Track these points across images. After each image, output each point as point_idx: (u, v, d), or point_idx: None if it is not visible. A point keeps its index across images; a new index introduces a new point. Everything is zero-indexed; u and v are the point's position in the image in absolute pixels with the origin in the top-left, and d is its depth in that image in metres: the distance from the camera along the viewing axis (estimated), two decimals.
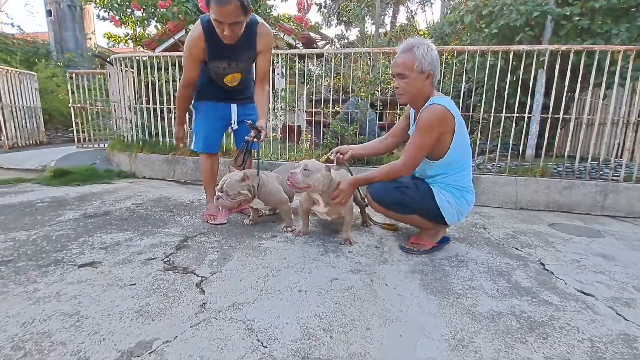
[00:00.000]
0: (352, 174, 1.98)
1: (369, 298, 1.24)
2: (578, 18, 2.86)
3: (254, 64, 2.04)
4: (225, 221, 2.09)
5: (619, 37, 2.79)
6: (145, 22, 3.97)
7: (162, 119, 3.67)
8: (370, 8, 9.80)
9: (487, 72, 2.91)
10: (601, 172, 2.77)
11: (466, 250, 1.79)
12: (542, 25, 3.29)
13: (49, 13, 10.67)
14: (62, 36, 11.11)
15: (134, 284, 1.28)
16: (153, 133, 3.77)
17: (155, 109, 3.67)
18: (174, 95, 3.57)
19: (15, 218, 2.06)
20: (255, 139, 1.87)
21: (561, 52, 2.66)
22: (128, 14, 4.16)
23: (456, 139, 1.59)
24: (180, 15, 3.18)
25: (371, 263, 1.57)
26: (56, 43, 10.68)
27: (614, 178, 2.72)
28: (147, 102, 3.70)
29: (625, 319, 1.16)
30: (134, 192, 2.88)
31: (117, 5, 4.29)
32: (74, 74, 4.77)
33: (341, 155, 1.89)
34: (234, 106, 2.15)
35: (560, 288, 1.39)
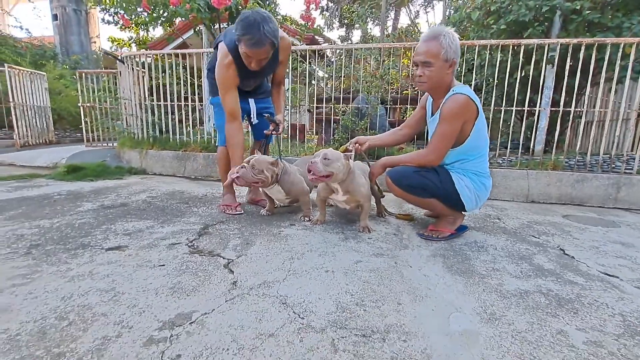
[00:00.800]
0: (369, 165, 2.00)
1: (396, 278, 1.26)
2: (588, 12, 2.88)
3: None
4: (242, 211, 2.12)
5: (630, 30, 2.81)
6: (154, 22, 4.01)
7: (173, 114, 3.70)
8: (374, 9, 9.89)
9: (497, 67, 2.93)
10: (613, 166, 2.78)
11: (484, 237, 1.80)
12: (550, 21, 3.32)
13: (54, 17, 10.81)
14: (68, 39, 11.23)
15: (163, 265, 1.30)
16: (164, 130, 3.80)
17: (166, 106, 3.71)
18: (184, 93, 3.61)
19: (36, 209, 2.08)
20: (274, 132, 1.90)
21: (572, 47, 2.68)
22: (138, 13, 4.21)
23: (476, 126, 1.62)
24: (192, 13, 3.21)
25: (392, 248, 1.58)
26: (62, 46, 10.81)
27: (627, 171, 2.72)
28: (158, 100, 3.74)
29: None
30: (147, 187, 2.90)
31: (126, 5, 4.34)
32: (83, 74, 4.82)
33: (359, 146, 1.91)
34: (251, 100, 2.18)
35: (584, 270, 1.40)
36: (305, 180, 1.99)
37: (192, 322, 0.92)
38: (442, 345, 0.87)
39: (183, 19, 3.38)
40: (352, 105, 3.18)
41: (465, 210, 1.74)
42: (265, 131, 2.08)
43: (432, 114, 1.77)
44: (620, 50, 2.58)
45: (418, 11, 16.05)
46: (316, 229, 1.84)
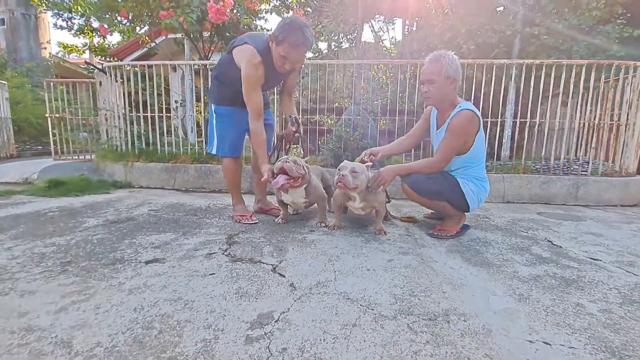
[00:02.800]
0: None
1: (429, 271, 1.42)
2: (545, 37, 3.34)
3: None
4: (257, 221, 2.18)
5: (578, 52, 3.31)
6: (135, 32, 3.92)
7: (160, 125, 3.63)
8: (342, 24, 10.38)
9: (473, 82, 3.28)
10: (572, 169, 3.22)
11: (484, 234, 2.04)
12: (511, 44, 3.79)
13: (1, 22, 9.96)
14: (16, 45, 10.38)
15: (214, 274, 1.34)
16: (150, 142, 3.71)
17: (152, 118, 3.63)
18: (169, 105, 3.57)
19: (37, 226, 1.97)
20: (297, 133, 2.01)
21: (534, 66, 3.09)
22: (116, 23, 4.08)
23: (478, 137, 1.86)
24: (185, 25, 3.22)
25: (412, 247, 1.75)
26: (9, 52, 9.95)
27: (583, 173, 3.17)
28: (145, 111, 3.65)
29: (635, 274, 1.44)
30: (142, 200, 2.83)
31: (101, 15, 4.19)
32: (51, 83, 4.53)
33: (373, 157, 2.07)
34: None
35: (573, 256, 1.66)
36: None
37: (277, 321, 1.00)
38: (495, 321, 1.03)
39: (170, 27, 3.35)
40: (344, 116, 3.36)
41: (468, 211, 1.96)
42: (284, 132, 2.15)
43: (438, 127, 1.99)
44: (574, 70, 3.04)
45: (380, 28, 16.88)
46: (336, 234, 1.96)
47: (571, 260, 1.60)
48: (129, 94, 3.66)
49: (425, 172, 1.92)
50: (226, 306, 1.08)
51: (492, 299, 1.19)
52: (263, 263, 1.47)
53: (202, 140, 3.74)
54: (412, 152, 3.43)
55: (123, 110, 3.70)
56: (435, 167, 1.89)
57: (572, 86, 3.07)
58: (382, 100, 3.56)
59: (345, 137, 3.24)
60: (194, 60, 4.26)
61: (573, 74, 3.03)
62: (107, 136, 3.89)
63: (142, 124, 3.67)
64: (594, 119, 3.18)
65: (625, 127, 3.13)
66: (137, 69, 3.62)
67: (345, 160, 1.92)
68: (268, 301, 1.12)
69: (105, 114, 3.89)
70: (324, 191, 2.13)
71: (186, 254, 1.57)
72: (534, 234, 2.08)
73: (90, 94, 4.78)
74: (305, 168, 1.94)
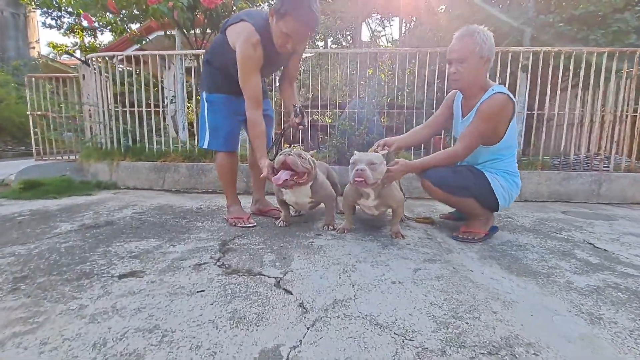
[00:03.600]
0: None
1: (468, 284, 1.17)
2: (560, 24, 3.13)
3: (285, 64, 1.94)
4: (255, 223, 1.91)
5: (595, 41, 3.09)
6: (124, 23, 3.65)
7: (149, 121, 3.35)
8: (339, 21, 10.14)
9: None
10: (593, 164, 2.99)
11: (514, 236, 1.79)
12: (522, 32, 3.57)
13: None
14: (4, 45, 10.05)
15: (203, 291, 1.08)
16: (138, 138, 3.42)
17: (140, 113, 3.35)
18: (161, 97, 3.30)
19: (0, 232, 1.69)
20: (301, 126, 1.75)
21: (552, 54, 2.87)
22: (102, 14, 3.81)
23: (511, 126, 1.62)
24: (175, 12, 2.95)
25: (438, 253, 1.49)
26: None
27: (604, 169, 2.95)
28: (131, 106, 3.37)
29: None
30: (127, 202, 2.55)
31: (87, 6, 3.90)
32: (32, 79, 4.23)
33: (387, 148, 1.82)
34: None
35: (627, 262, 1.42)
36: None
37: None
38: (575, 354, 0.78)
39: (161, 18, 3.08)
40: (348, 109, 3.11)
41: (497, 209, 1.71)
42: (288, 124, 1.88)
43: (463, 115, 1.75)
44: (594, 58, 2.82)
45: (376, 26, 16.74)
46: (347, 238, 1.70)
47: (627, 267, 1.36)
48: (114, 86, 3.38)
49: (445, 164, 1.67)
50: (217, 338, 0.82)
51: (556, 320, 0.94)
52: (264, 275, 1.21)
53: (194, 138, 3.47)
54: (422, 148, 3.20)
55: (108, 105, 3.41)
56: (458, 155, 1.63)
57: (592, 76, 2.85)
58: (385, 96, 3.31)
59: (349, 132, 2.98)
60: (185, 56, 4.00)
61: (593, 62, 2.80)
62: (92, 133, 3.60)
63: (128, 119, 3.39)
64: (615, 111, 2.96)
65: None
66: (122, 65, 3.33)
67: (356, 152, 1.66)
68: (273, 329, 0.86)
69: (89, 110, 3.60)
70: (332, 189, 1.88)
71: (170, 264, 1.30)
72: (569, 235, 1.84)
73: (75, 91, 4.48)
74: (311, 162, 1.69)
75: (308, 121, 1.86)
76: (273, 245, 1.55)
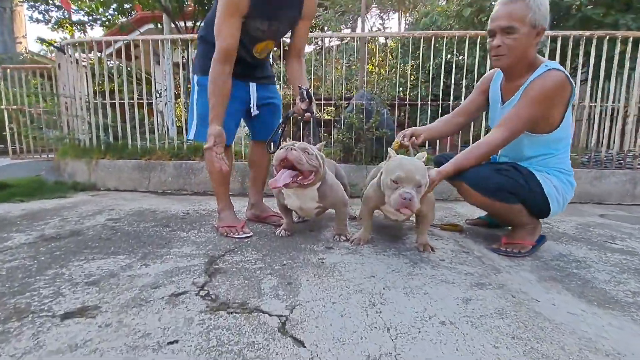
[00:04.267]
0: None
1: (543, 323, 0.85)
2: (589, 7, 2.83)
3: (291, 33, 1.60)
4: (250, 233, 1.59)
5: (626, 26, 2.80)
6: (105, 7, 3.29)
7: (132, 115, 3.00)
8: (338, 14, 9.81)
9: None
10: (626, 162, 2.70)
11: (563, 248, 1.49)
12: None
13: None
14: None
15: (176, 342, 0.75)
16: (120, 135, 3.07)
17: (122, 105, 3.00)
18: (149, 91, 2.96)
19: None
20: (308, 113, 1.43)
21: (583, 38, 2.57)
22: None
23: (568, 112, 1.30)
24: None
25: (484, 273, 1.18)
26: None
27: (638, 167, 2.66)
28: (112, 97, 3.02)
29: None
30: (103, 206, 2.21)
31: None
32: (8, 69, 3.86)
33: (414, 139, 1.50)
34: (252, 85, 1.67)
35: None
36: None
37: None
38: None
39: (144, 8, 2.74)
40: (355, 100, 2.79)
41: (546, 216, 1.40)
42: (293, 110, 1.55)
43: (504, 101, 1.43)
44: (629, 43, 2.52)
45: (374, 22, 16.41)
46: (364, 251, 1.38)
47: None
48: (93, 76, 3.03)
49: (483, 159, 1.35)
50: None
51: None
52: (263, 312, 0.88)
53: (184, 135, 3.12)
54: (437, 144, 2.88)
55: (86, 97, 3.06)
56: (497, 144, 1.31)
57: (627, 63, 2.55)
58: (395, 88, 2.99)
59: (357, 126, 2.66)
60: (174, 47, 3.65)
61: (629, 48, 2.51)
62: (68, 128, 3.24)
63: (109, 113, 3.03)
64: None
65: None
66: (111, 61, 2.98)
67: (391, 152, 1.34)
68: None
69: (66, 102, 3.24)
70: (344, 192, 1.55)
71: (137, 295, 0.97)
72: (627, 246, 1.54)
73: (54, 83, 4.12)
74: (319, 158, 1.36)
75: (315, 108, 1.52)
76: (274, 264, 1.23)
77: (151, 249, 1.38)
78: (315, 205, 1.49)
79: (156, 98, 3.52)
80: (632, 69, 2.58)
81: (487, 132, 1.76)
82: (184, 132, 3.05)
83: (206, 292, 1.00)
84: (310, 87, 1.52)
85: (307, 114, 1.49)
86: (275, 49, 1.71)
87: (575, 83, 1.68)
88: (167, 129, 3.66)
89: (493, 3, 3.31)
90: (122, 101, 2.96)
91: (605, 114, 2.87)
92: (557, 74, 1.23)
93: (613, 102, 2.65)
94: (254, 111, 1.69)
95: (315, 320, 0.84)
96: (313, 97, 1.48)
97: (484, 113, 1.96)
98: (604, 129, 2.83)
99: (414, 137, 1.51)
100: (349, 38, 5.45)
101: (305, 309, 0.90)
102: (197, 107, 1.62)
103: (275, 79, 1.83)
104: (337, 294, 0.98)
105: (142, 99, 2.98)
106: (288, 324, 0.82)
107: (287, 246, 1.43)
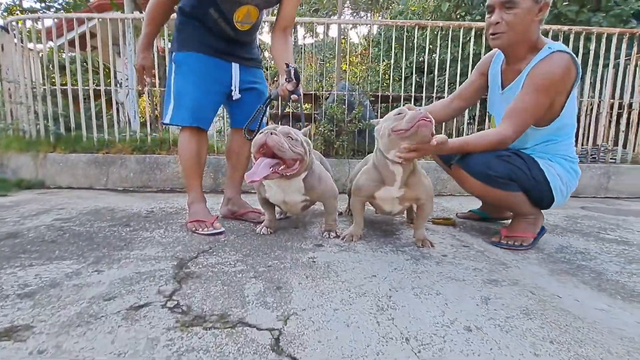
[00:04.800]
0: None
1: (576, 323, 0.74)
2: (566, 3, 2.88)
3: (278, 6, 1.43)
4: (223, 229, 1.39)
5: (598, 24, 2.88)
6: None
7: (86, 102, 2.67)
8: (313, 11, 9.67)
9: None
10: (600, 156, 2.77)
11: (562, 240, 1.43)
12: None
13: None
14: None
15: None
16: (73, 126, 2.73)
17: (75, 92, 2.66)
18: (102, 72, 2.64)
19: None
20: (294, 95, 1.26)
21: (561, 34, 2.60)
22: None
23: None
24: None
25: (493, 268, 1.07)
26: None
27: (611, 161, 2.74)
28: (63, 82, 2.67)
29: None
30: (51, 205, 1.91)
31: None
32: None
33: None
34: (235, 67, 1.47)
35: None
36: None
37: None
38: None
39: None
40: (336, 91, 2.64)
41: (549, 207, 1.33)
42: (277, 89, 1.36)
43: (504, 86, 1.34)
44: (603, 40, 2.58)
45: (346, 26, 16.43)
46: (357, 248, 1.24)
47: None
48: (41, 59, 2.67)
49: (486, 149, 1.26)
50: None
51: None
52: (250, 326, 0.70)
53: (149, 128, 2.82)
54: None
55: (32, 83, 2.69)
56: (506, 139, 1.22)
57: (601, 60, 2.61)
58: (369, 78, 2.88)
59: (338, 118, 2.52)
60: (136, 33, 3.33)
61: (603, 44, 2.57)
62: (12, 118, 2.83)
63: (59, 101, 2.68)
64: (622, 99, 2.75)
65: None
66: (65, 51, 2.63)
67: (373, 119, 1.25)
68: None
69: (9, 88, 2.83)
70: (333, 183, 1.40)
71: (84, 310, 0.76)
72: (620, 236, 1.51)
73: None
74: (304, 145, 1.20)
75: (302, 91, 1.35)
76: (257, 265, 1.05)
77: (106, 251, 1.15)
78: (302, 199, 1.32)
79: (115, 86, 3.18)
80: (606, 65, 2.65)
81: (483, 117, 1.68)
82: (148, 125, 2.76)
83: (175, 302, 0.80)
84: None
85: (294, 96, 1.32)
86: (260, 24, 1.51)
87: None
88: (129, 121, 3.33)
89: None
90: (75, 87, 2.63)
91: (580, 110, 2.93)
92: (562, 57, 1.15)
93: (587, 97, 2.71)
94: (236, 95, 1.50)
95: (317, 332, 0.68)
96: (301, 78, 1.31)
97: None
98: (579, 124, 2.89)
99: None
100: (321, 35, 5.32)
101: (302, 319, 0.73)
102: (174, 88, 1.40)
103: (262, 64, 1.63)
104: (338, 299, 0.83)
105: (99, 86, 2.66)
106: (283, 340, 0.65)
107: (270, 245, 1.26)
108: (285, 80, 1.29)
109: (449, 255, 1.18)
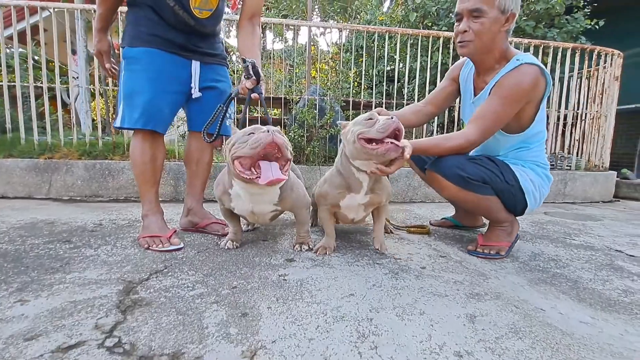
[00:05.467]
0: None
1: (564, 339, 0.70)
2: (524, 18, 3.03)
3: None
4: (181, 244, 1.24)
5: (553, 39, 3.06)
6: None
7: (26, 102, 2.38)
8: (282, 17, 9.60)
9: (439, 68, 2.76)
10: (557, 164, 2.92)
11: (532, 246, 1.44)
12: None
13: None
14: None
15: None
16: (9, 127, 2.41)
17: (9, 89, 2.36)
18: (45, 67, 2.36)
19: None
20: (254, 94, 1.15)
21: (522, 47, 2.72)
22: None
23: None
24: None
25: (473, 281, 1.03)
26: None
27: (567, 168, 2.90)
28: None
29: None
30: None
31: None
32: None
33: None
34: (195, 64, 1.33)
35: None
36: None
37: None
38: None
39: None
40: (307, 96, 2.56)
41: (522, 213, 1.33)
42: (238, 87, 1.24)
43: (475, 94, 1.33)
44: (559, 53, 2.74)
45: (316, 30, 16.58)
46: (333, 262, 1.14)
47: None
48: None
49: (451, 152, 1.22)
50: None
51: None
52: None
53: (104, 131, 2.56)
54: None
55: None
56: (470, 142, 1.20)
57: (557, 73, 2.77)
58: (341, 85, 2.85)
59: (310, 123, 2.44)
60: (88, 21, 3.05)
61: (558, 58, 2.72)
62: None
63: None
64: (575, 110, 2.93)
65: (604, 118, 2.94)
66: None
67: (344, 122, 1.18)
68: None
69: None
70: (306, 192, 1.30)
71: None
72: (585, 241, 1.56)
73: None
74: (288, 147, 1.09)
75: (264, 88, 1.25)
76: (220, 287, 0.92)
77: (36, 275, 0.97)
78: (271, 209, 1.21)
79: (63, 84, 2.87)
80: (560, 79, 2.81)
81: (451, 124, 1.67)
82: (100, 127, 2.51)
83: (116, 339, 0.66)
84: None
85: (254, 95, 1.21)
86: (222, 13, 1.39)
87: None
88: (76, 123, 3.02)
89: (442, 7, 3.41)
90: (12, 83, 2.33)
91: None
92: (529, 70, 1.16)
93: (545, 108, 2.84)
94: (195, 93, 1.35)
95: None
96: (262, 74, 1.21)
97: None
98: None
99: None
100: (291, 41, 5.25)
101: (271, 354, 0.62)
102: (124, 86, 1.24)
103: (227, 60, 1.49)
104: (313, 326, 0.73)
105: (41, 84, 2.38)
106: None
107: (236, 261, 1.13)
108: (245, 76, 1.18)
109: (428, 268, 1.12)
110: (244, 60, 1.18)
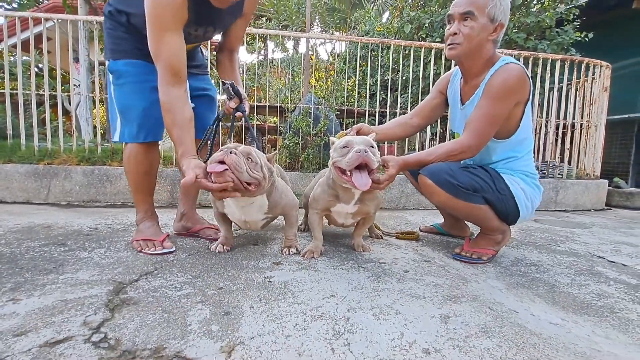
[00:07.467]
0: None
1: (532, 339, 0.73)
2: (515, 30, 3.11)
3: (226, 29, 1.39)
4: (174, 248, 1.28)
5: (543, 50, 3.13)
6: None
7: (27, 109, 2.44)
8: (282, 27, 9.81)
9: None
10: (549, 172, 2.96)
11: (517, 252, 1.47)
12: None
13: None
14: None
15: None
16: (10, 133, 2.47)
17: (12, 96, 2.42)
18: (47, 75, 2.43)
19: None
20: (238, 112, 1.21)
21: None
22: None
23: (527, 112, 1.29)
24: None
25: (453, 284, 1.06)
26: None
27: (558, 176, 2.94)
28: (1, 87, 2.42)
29: None
30: None
31: None
32: None
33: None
34: None
35: None
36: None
37: None
38: None
39: None
40: (302, 104, 2.62)
41: (514, 222, 1.35)
42: (224, 107, 1.30)
43: (463, 102, 1.38)
44: (548, 65, 2.80)
45: (316, 41, 16.82)
46: (319, 265, 1.18)
47: None
48: None
49: (445, 155, 1.27)
50: None
51: None
52: None
53: (106, 138, 2.62)
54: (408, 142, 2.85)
55: None
56: (466, 151, 1.24)
57: (547, 83, 2.83)
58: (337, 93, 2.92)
59: (304, 131, 2.49)
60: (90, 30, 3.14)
61: (548, 69, 2.79)
62: None
63: None
64: (565, 119, 2.99)
65: (595, 128, 2.99)
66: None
67: (333, 139, 1.22)
68: None
69: None
70: (294, 196, 1.34)
71: None
72: (570, 248, 1.59)
73: None
74: (264, 170, 1.12)
75: (247, 107, 1.31)
76: (207, 288, 0.95)
77: (30, 276, 1.00)
78: (263, 217, 1.25)
79: (65, 92, 2.94)
80: (551, 89, 2.87)
81: (444, 134, 1.71)
82: (99, 134, 2.57)
83: (102, 335, 0.69)
84: (248, 93, 1.31)
85: (238, 114, 1.27)
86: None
87: None
88: (76, 130, 3.09)
89: (435, 20, 3.49)
90: (15, 91, 2.39)
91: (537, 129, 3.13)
92: (515, 68, 1.21)
93: (536, 118, 2.90)
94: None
95: None
96: (243, 93, 1.27)
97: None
98: None
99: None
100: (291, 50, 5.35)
101: (248, 349, 0.66)
102: (117, 101, 1.29)
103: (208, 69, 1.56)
104: (292, 324, 0.76)
105: (43, 92, 2.44)
106: None
107: (224, 264, 1.16)
108: (227, 98, 1.25)
109: (411, 271, 1.16)
110: (224, 83, 1.25)
